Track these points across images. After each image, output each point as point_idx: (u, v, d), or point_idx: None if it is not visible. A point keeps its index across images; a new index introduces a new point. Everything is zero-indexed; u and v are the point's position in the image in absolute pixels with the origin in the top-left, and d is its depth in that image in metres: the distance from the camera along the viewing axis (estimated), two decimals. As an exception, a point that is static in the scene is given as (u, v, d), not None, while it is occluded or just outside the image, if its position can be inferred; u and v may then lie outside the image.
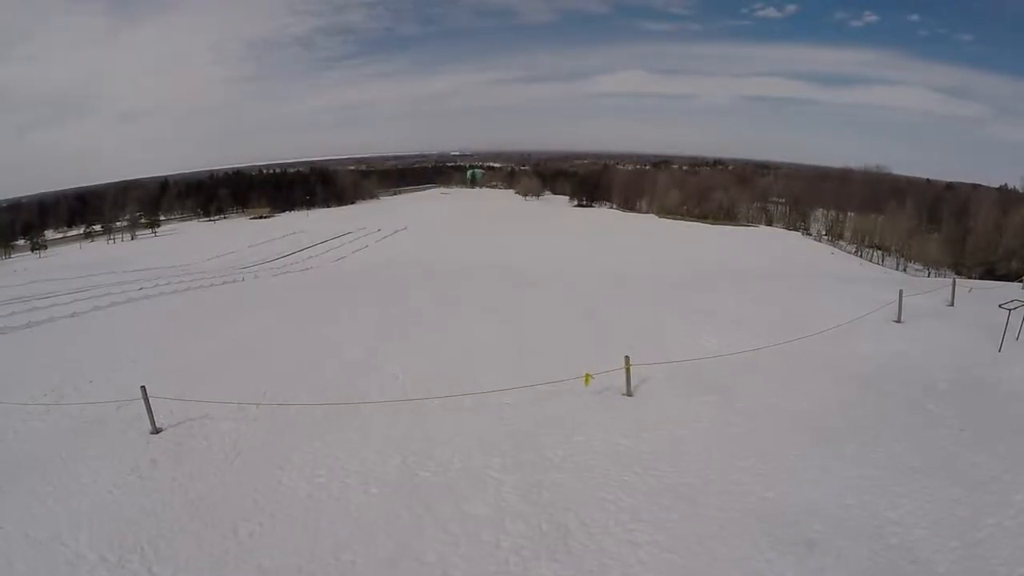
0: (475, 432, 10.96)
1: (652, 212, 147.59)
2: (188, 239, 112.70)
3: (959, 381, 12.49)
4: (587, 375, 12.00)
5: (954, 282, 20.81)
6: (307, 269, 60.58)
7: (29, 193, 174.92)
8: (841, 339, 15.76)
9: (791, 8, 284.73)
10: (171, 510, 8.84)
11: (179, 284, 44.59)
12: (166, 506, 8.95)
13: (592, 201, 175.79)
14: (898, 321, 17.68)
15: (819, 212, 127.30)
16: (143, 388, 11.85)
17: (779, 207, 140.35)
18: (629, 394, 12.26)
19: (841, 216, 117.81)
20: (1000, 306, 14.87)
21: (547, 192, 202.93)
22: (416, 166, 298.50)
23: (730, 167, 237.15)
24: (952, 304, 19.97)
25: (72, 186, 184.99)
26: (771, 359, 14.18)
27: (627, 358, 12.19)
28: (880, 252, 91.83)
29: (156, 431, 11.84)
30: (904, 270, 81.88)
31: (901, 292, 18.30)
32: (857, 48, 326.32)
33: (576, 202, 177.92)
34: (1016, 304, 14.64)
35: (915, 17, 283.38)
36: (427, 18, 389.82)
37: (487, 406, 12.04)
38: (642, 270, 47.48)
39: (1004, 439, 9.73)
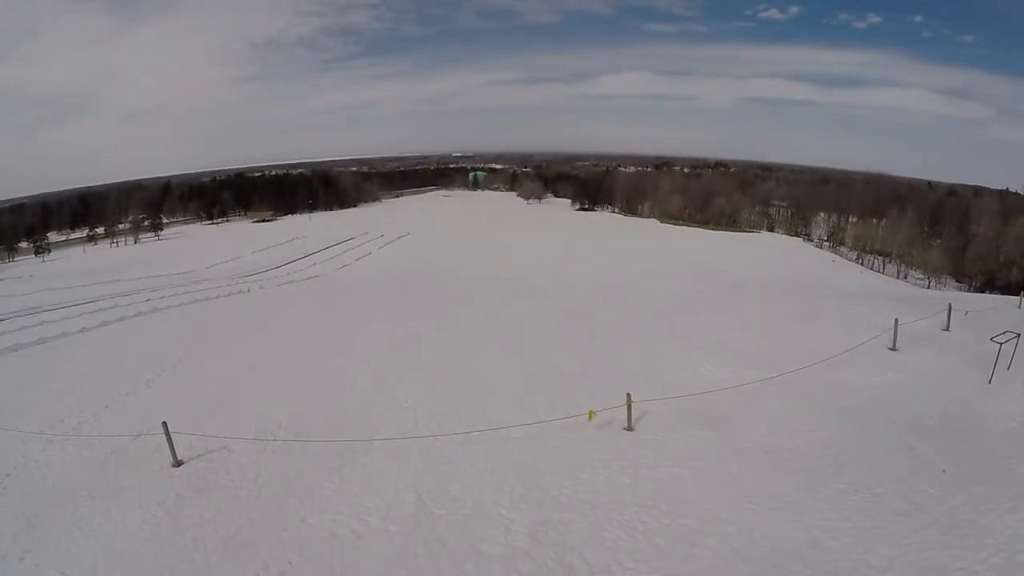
0: (485, 468, 11.55)
1: (654, 217, 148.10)
2: (191, 243, 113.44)
3: (947, 417, 13.05)
4: (590, 412, 12.61)
5: (950, 307, 21.29)
6: (312, 278, 61.12)
7: (32, 193, 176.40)
8: (835, 370, 16.32)
9: (794, 10, 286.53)
10: (204, 548, 9.39)
11: (185, 295, 45.08)
12: (199, 544, 9.50)
13: (594, 205, 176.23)
14: (893, 349, 18.23)
15: (820, 217, 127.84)
16: (164, 424, 12.35)
17: (780, 211, 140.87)
18: (630, 428, 12.85)
19: (842, 221, 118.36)
20: (992, 339, 15.40)
21: (549, 195, 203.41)
22: (418, 167, 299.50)
23: (731, 169, 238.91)
24: (948, 329, 20.55)
25: (74, 187, 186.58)
26: (766, 392, 14.75)
27: (629, 395, 12.78)
28: (881, 259, 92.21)
29: (178, 464, 12.35)
30: (905, 278, 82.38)
31: (896, 321, 18.82)
32: (860, 49, 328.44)
33: (578, 205, 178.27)
34: (1008, 337, 15.20)
35: (918, 18, 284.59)
36: (430, 19, 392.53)
37: (495, 440, 12.63)
38: (645, 284, 47.98)
39: (983, 481, 10.30)
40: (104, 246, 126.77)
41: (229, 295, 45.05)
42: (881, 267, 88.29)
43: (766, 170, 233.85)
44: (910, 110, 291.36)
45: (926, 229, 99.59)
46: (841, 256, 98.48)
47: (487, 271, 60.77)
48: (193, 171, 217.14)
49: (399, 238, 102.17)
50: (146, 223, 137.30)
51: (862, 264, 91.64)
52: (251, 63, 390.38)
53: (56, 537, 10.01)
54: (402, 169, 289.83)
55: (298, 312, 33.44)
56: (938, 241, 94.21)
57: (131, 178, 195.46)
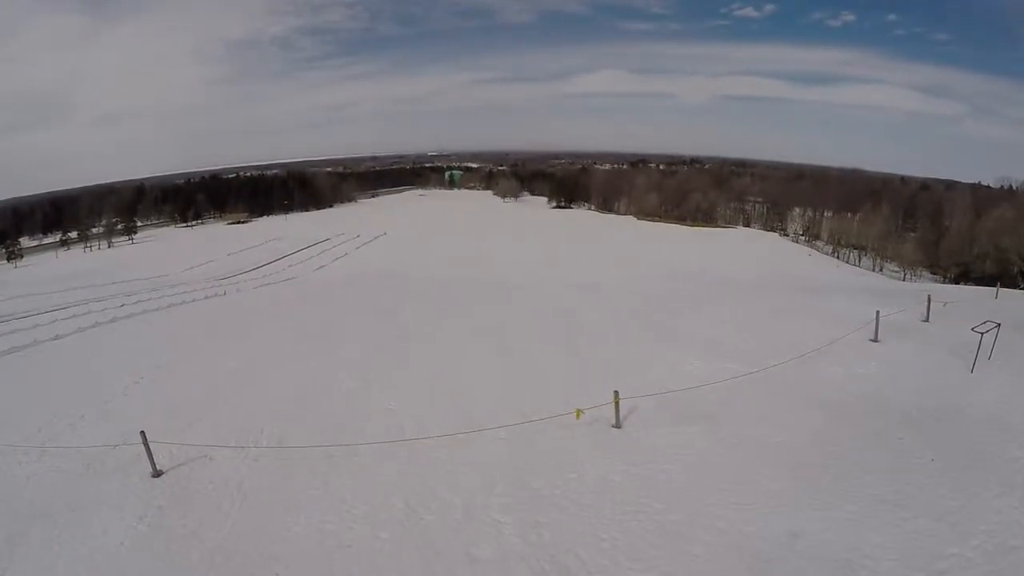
0: (472, 470, 11.38)
1: (631, 214, 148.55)
2: (165, 246, 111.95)
3: (931, 408, 13.13)
4: (577, 410, 12.52)
5: (929, 299, 21.53)
6: (289, 280, 60.62)
7: (4, 198, 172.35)
8: (818, 363, 16.42)
9: (769, 8, 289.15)
10: (188, 562, 9.11)
11: (161, 299, 44.59)
12: (183, 558, 9.21)
13: (570, 202, 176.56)
14: (875, 340, 18.38)
15: (795, 212, 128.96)
16: (143, 433, 12.02)
17: (756, 207, 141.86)
18: (618, 426, 12.77)
19: (818, 216, 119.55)
20: (973, 330, 15.53)
21: (525, 193, 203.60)
22: (394, 167, 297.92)
23: (706, 166, 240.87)
24: (927, 320, 20.83)
25: (47, 191, 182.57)
26: (751, 387, 14.77)
27: (616, 392, 12.70)
28: (857, 252, 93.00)
29: (157, 474, 12.02)
30: (880, 270, 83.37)
31: (878, 313, 18.97)
32: (835, 47, 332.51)
33: (554, 203, 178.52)
34: (988, 327, 15.35)
35: (892, 17, 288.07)
36: (407, 18, 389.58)
37: (481, 441, 12.47)
38: (626, 283, 48.11)
39: (969, 469, 10.37)
40: (77, 251, 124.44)
41: (206, 298, 44.55)
42: (857, 260, 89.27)
43: (741, 166, 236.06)
44: (884, 107, 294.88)
45: (900, 223, 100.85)
46: (817, 250, 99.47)
47: (466, 272, 60.62)
48: (168, 173, 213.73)
49: (375, 238, 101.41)
50: (119, 227, 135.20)
51: (838, 258, 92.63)
52: (226, 63, 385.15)
53: (37, 553, 9.70)
54: (378, 169, 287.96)
55: (276, 315, 33.05)
56: (911, 234, 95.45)
57: (105, 181, 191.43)
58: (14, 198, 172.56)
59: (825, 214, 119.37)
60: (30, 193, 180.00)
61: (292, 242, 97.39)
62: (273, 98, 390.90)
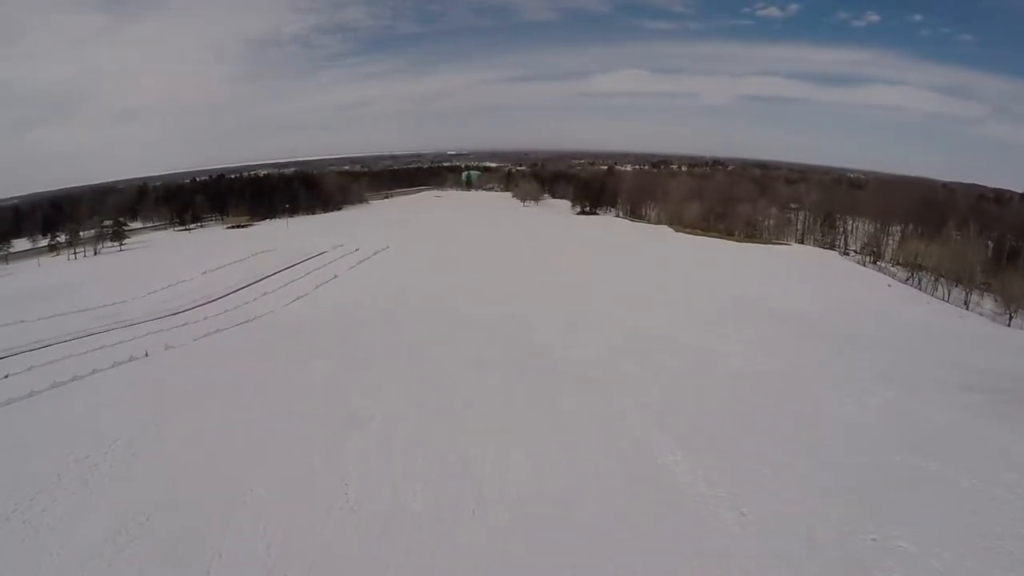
0: None
1: (664, 223, 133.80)
2: (148, 257, 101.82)
3: None
4: None
5: None
6: (251, 320, 49.22)
7: (22, 194, 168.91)
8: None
9: (793, 7, 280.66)
10: None
11: (68, 361, 35.98)
12: None
13: (596, 207, 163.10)
14: None
15: (847, 224, 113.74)
16: None
17: (801, 217, 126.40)
18: None
19: (878, 231, 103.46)
20: None
21: (546, 196, 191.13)
22: (411, 166, 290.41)
23: (729, 167, 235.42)
24: None
25: (61, 187, 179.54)
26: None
27: None
28: (944, 282, 75.64)
29: None
30: (966, 305, 68.21)
31: None
32: (858, 48, 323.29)
33: (579, 208, 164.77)
34: None
35: (917, 17, 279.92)
36: (426, 16, 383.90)
37: None
38: (699, 347, 36.96)
39: None
40: (63, 258, 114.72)
41: (115, 366, 33.39)
42: (945, 293, 72.48)
43: (763, 168, 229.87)
44: (907, 108, 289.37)
45: (989, 246, 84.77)
46: (885, 273, 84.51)
47: (474, 311, 49.82)
48: (184, 171, 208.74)
49: (376, 253, 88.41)
50: (109, 232, 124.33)
51: (920, 288, 75.89)
52: (244, 61, 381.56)
53: None
54: (394, 168, 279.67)
55: (179, 418, 23.56)
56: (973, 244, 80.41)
57: (119, 179, 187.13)
58: (31, 194, 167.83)
59: (889, 229, 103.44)
60: (44, 190, 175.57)
61: (282, 255, 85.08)
62: (291, 96, 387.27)
